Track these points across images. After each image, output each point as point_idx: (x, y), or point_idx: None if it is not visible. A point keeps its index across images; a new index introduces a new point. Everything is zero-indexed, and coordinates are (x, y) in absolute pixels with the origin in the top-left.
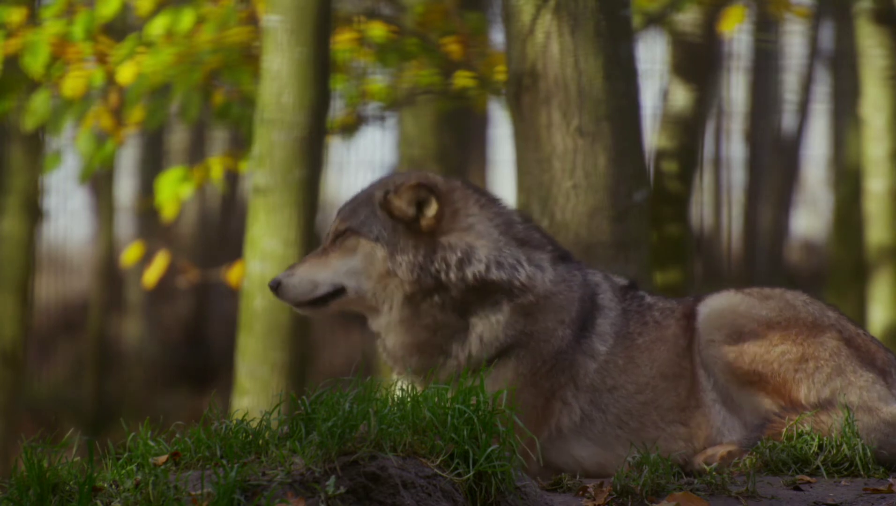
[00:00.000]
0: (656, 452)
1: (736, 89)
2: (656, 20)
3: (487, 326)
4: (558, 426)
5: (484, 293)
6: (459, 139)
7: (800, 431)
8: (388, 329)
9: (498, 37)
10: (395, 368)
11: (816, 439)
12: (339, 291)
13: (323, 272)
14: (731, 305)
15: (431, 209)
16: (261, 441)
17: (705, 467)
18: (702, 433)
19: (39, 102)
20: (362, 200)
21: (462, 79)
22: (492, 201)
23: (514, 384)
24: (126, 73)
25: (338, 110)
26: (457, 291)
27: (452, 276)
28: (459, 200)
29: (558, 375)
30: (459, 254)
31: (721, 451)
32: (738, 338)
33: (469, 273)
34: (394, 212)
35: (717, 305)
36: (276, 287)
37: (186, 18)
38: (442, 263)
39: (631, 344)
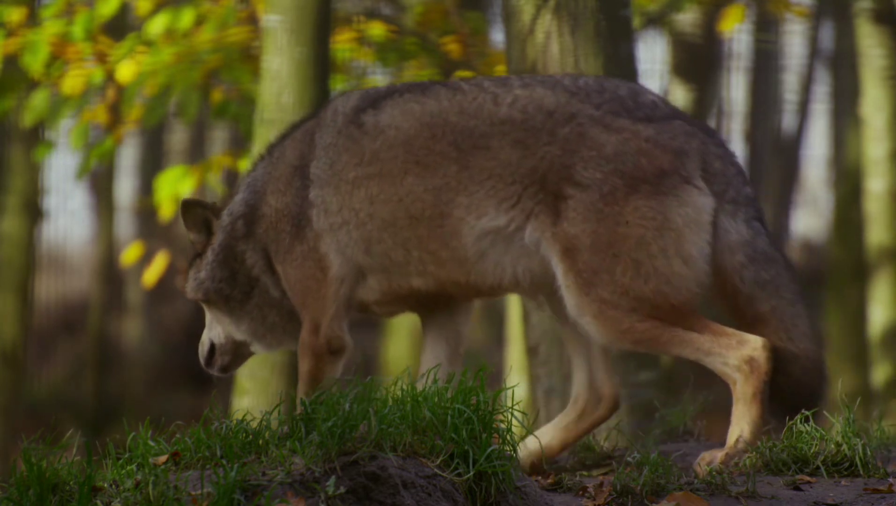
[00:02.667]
0: (656, 451)
1: (736, 89)
2: (656, 20)
3: None
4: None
5: None
6: None
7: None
8: None
9: (498, 37)
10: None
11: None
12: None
13: None
14: None
15: None
16: (261, 441)
17: (706, 469)
18: None
19: (39, 100)
20: None
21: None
22: None
23: None
24: (125, 72)
25: None
26: None
27: None
28: None
29: None
30: None
31: (720, 455)
32: None
33: None
34: None
35: None
36: None
37: (186, 18)
38: None
39: None
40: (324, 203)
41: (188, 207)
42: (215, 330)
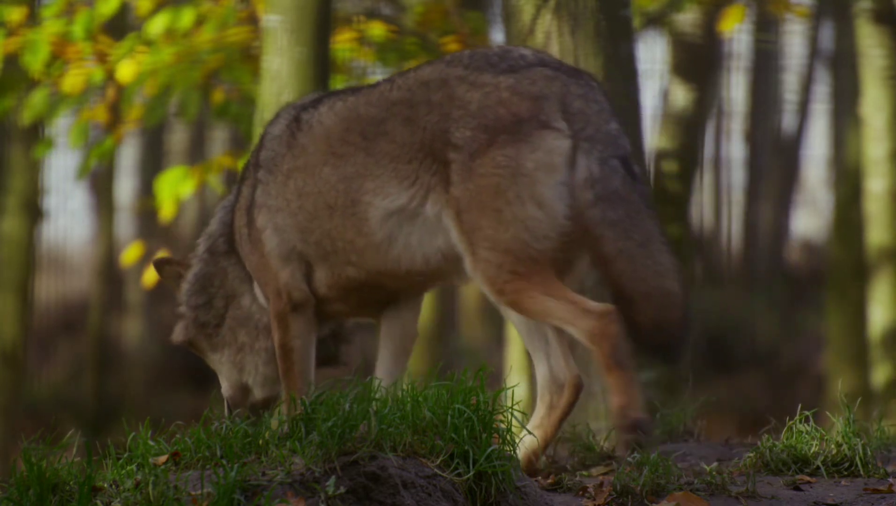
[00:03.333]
0: (656, 451)
1: (736, 89)
2: (656, 20)
3: None
4: None
5: None
6: None
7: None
8: None
9: (498, 37)
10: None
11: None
12: None
13: None
14: None
15: None
16: (261, 441)
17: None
18: None
19: (38, 98)
20: None
21: None
22: None
23: None
24: (126, 72)
25: None
26: None
27: None
28: None
29: None
30: None
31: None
32: None
33: None
34: None
35: None
36: None
37: (186, 17)
38: None
39: None
40: (266, 190)
41: (160, 267)
42: (222, 385)
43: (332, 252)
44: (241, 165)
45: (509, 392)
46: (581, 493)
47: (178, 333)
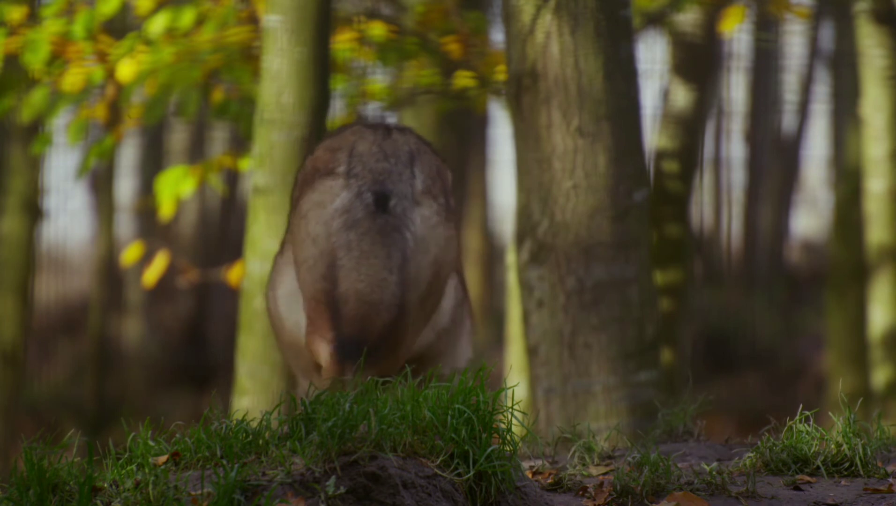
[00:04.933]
0: (656, 451)
1: (736, 89)
2: (656, 20)
3: None
4: None
5: None
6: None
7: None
8: None
9: (498, 37)
10: None
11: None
12: None
13: None
14: None
15: None
16: (261, 441)
17: None
18: None
19: (38, 97)
20: None
21: (462, 79)
22: None
23: None
24: (126, 71)
25: (338, 110)
26: None
27: None
28: None
29: None
30: None
31: None
32: None
33: None
34: None
35: None
36: None
37: (186, 17)
38: None
39: None
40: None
41: None
42: None
43: None
44: (241, 164)
45: (509, 392)
46: (581, 493)
47: None
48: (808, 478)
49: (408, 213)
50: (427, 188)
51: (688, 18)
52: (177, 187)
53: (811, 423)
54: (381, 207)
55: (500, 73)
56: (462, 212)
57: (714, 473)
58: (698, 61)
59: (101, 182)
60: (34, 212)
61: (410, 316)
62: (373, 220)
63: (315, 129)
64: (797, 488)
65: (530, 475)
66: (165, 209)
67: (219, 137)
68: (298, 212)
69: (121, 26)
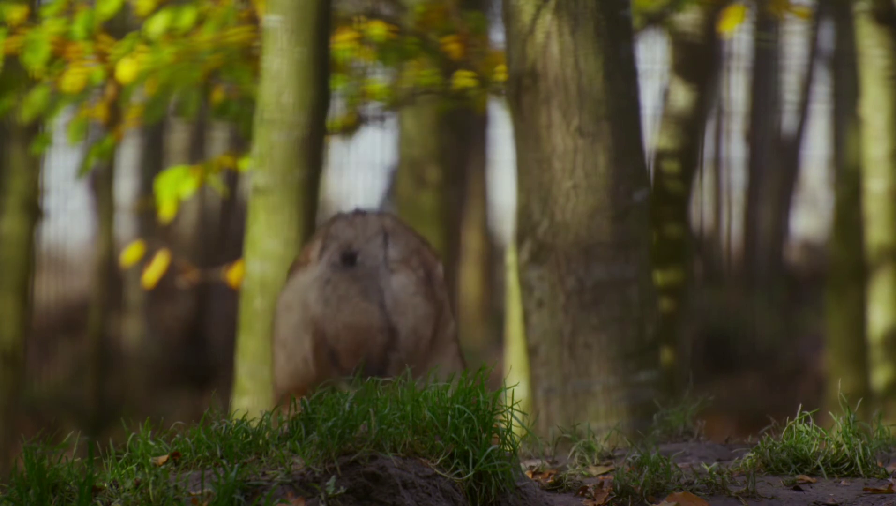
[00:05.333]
0: (656, 451)
1: (736, 89)
2: (656, 20)
3: None
4: None
5: None
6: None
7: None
8: None
9: (498, 37)
10: None
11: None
12: None
13: None
14: None
15: None
16: (261, 441)
17: None
18: None
19: (38, 96)
20: None
21: (462, 79)
22: None
23: None
24: (126, 71)
25: (338, 110)
26: None
27: None
28: None
29: None
30: None
31: None
32: None
33: None
34: None
35: None
36: None
37: (187, 17)
38: None
39: None
40: None
41: None
42: None
43: None
44: (241, 164)
45: (509, 392)
46: (581, 493)
47: None
48: (808, 478)
49: (380, 270)
50: (404, 258)
51: (688, 18)
52: (177, 187)
53: (811, 423)
54: (349, 262)
55: (500, 73)
56: (462, 213)
57: (714, 473)
58: (698, 61)
59: (101, 182)
60: (34, 212)
61: (409, 340)
62: (343, 272)
63: (315, 129)
64: (797, 488)
65: (530, 475)
66: (165, 209)
67: (219, 137)
68: (280, 301)
69: (121, 26)
